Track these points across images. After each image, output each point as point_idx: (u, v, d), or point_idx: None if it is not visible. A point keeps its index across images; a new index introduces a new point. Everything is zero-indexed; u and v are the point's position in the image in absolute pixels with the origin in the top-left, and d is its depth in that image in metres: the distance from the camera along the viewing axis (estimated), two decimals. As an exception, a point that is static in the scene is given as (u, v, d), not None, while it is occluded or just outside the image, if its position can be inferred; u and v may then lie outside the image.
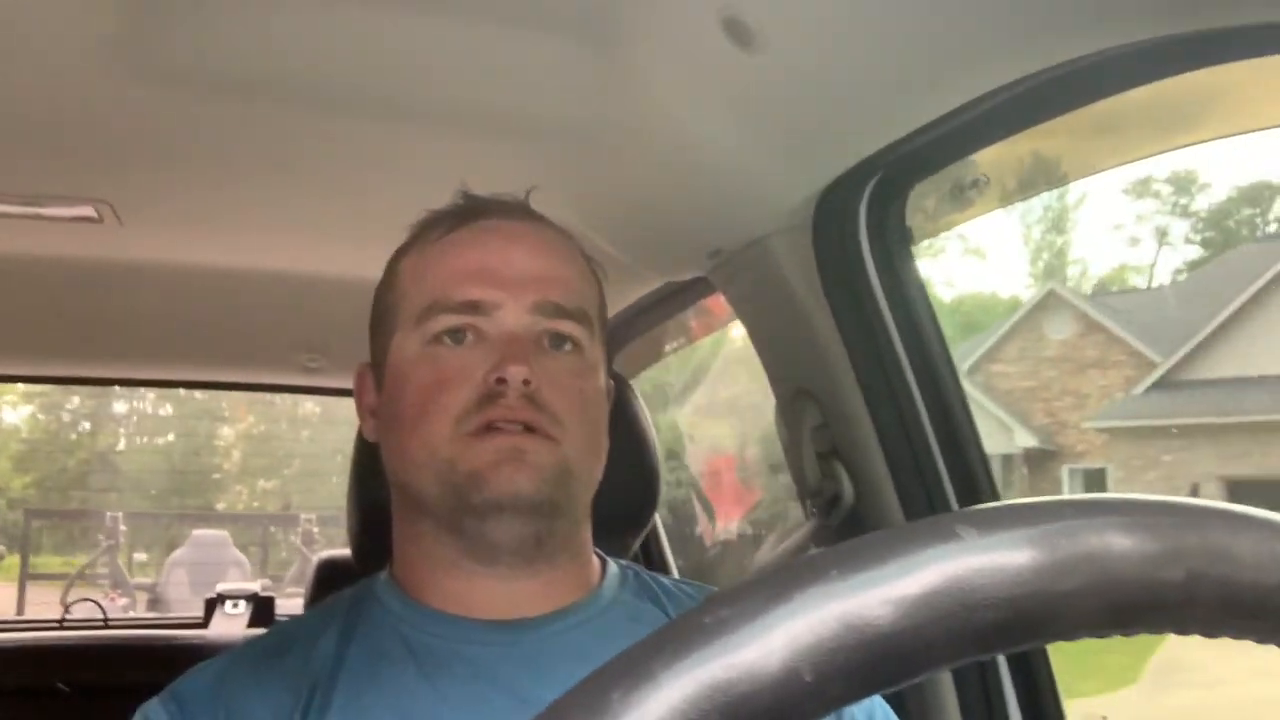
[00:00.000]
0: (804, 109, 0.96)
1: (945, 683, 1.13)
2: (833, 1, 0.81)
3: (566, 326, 0.83)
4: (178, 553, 9.37)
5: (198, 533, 9.77)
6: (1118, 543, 0.28)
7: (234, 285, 1.62)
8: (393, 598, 0.85)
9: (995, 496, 1.17)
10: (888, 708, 0.87)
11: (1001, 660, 1.13)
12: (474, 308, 0.82)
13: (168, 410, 16.89)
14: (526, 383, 0.79)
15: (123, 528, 10.29)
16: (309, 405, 15.74)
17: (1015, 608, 0.27)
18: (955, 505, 1.14)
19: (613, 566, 0.91)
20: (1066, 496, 0.29)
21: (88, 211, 1.34)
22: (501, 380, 0.79)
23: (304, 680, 0.79)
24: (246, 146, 1.18)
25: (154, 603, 8.80)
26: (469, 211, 0.87)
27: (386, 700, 0.78)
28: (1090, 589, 0.27)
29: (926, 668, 0.27)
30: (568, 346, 0.84)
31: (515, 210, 0.88)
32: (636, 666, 0.27)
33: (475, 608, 0.83)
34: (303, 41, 0.96)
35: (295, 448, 17.43)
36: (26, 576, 10.45)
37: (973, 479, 1.14)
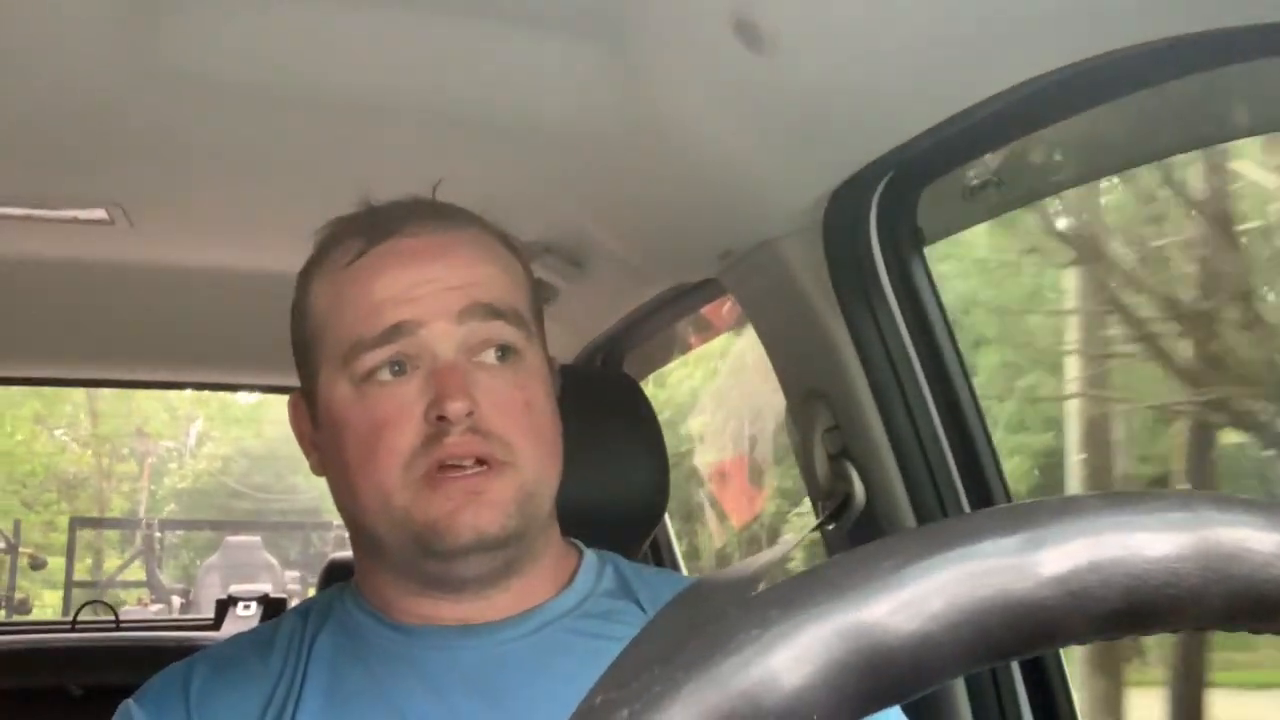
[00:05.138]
0: (815, 110, 0.96)
1: (957, 687, 1.12)
2: (844, 3, 0.81)
3: (500, 330, 0.79)
4: (212, 558, 9.56)
5: (230, 539, 9.97)
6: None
7: (246, 287, 1.62)
8: (357, 607, 0.84)
9: (1009, 498, 1.16)
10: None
11: (1014, 664, 1.13)
12: (397, 331, 0.77)
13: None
14: (470, 414, 0.75)
15: (158, 534, 10.44)
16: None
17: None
18: (967, 507, 1.13)
19: (589, 557, 0.89)
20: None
21: (99, 214, 1.34)
22: (443, 418, 0.75)
23: (271, 687, 0.79)
24: (259, 149, 1.18)
25: (187, 606, 9.00)
26: (375, 231, 0.81)
27: (352, 708, 0.77)
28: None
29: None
30: (507, 357, 0.79)
31: (424, 219, 0.82)
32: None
33: (444, 622, 0.82)
34: (315, 44, 0.96)
35: None
36: (72, 583, 10.51)
37: (985, 481, 1.13)
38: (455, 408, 0.74)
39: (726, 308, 2.29)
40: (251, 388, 2.64)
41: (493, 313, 0.79)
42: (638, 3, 0.91)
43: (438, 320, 0.77)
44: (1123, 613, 0.27)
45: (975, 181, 1.12)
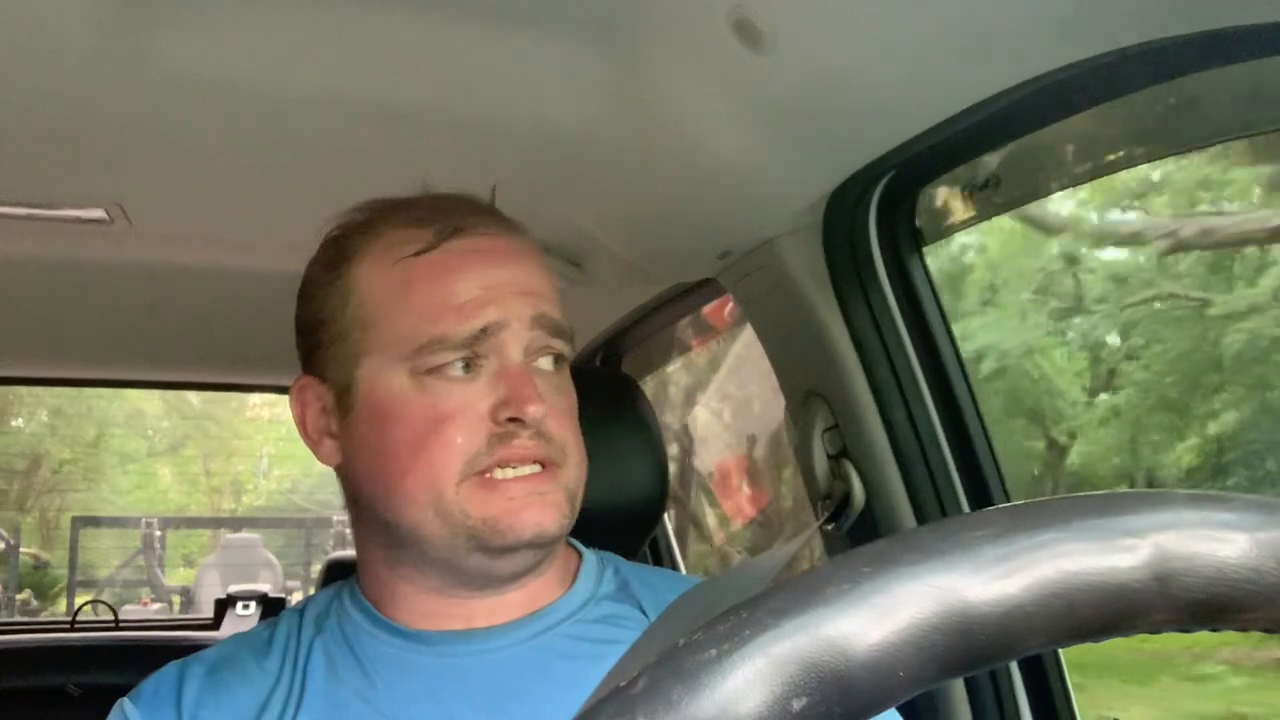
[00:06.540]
0: (814, 110, 0.96)
1: (957, 688, 1.12)
2: (843, 3, 0.81)
3: (560, 345, 0.81)
4: (211, 557, 9.57)
5: (230, 536, 9.99)
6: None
7: (245, 286, 1.62)
8: (359, 610, 0.84)
9: (1008, 498, 1.16)
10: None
11: (1013, 664, 1.13)
12: (485, 334, 0.77)
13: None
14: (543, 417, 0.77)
15: (158, 533, 10.46)
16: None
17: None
18: (967, 507, 1.13)
19: (590, 559, 0.89)
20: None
21: (98, 213, 1.34)
22: (515, 419, 0.76)
23: (269, 689, 0.79)
24: (259, 150, 1.18)
25: (187, 605, 9.01)
26: (443, 224, 0.81)
27: (352, 713, 0.77)
28: None
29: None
30: (559, 362, 0.82)
31: (493, 223, 0.83)
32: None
33: (448, 624, 0.81)
34: (315, 46, 0.96)
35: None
36: (75, 583, 10.48)
37: (984, 481, 1.13)
38: (533, 410, 0.76)
39: (728, 308, 2.29)
40: (251, 388, 2.64)
41: (551, 321, 0.81)
42: (638, 4, 0.91)
43: (515, 322, 0.78)
44: (1203, 603, 0.27)
45: (975, 181, 1.12)
